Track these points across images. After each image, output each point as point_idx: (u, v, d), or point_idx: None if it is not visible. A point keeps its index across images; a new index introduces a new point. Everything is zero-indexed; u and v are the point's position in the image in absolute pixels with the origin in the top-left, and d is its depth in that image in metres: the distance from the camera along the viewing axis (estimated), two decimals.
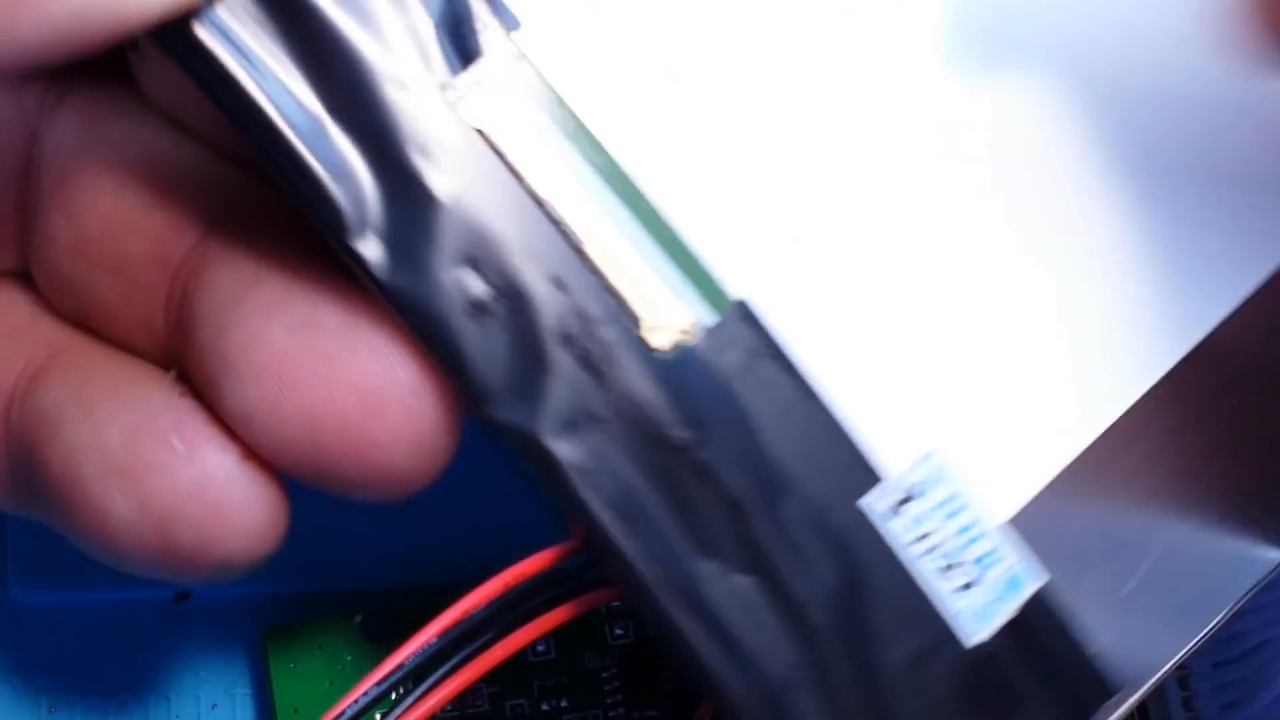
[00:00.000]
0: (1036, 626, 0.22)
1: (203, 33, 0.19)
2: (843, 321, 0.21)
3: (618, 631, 0.29)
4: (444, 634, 0.21)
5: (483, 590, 0.21)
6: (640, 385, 0.20)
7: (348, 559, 0.30)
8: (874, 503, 0.21)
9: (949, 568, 0.22)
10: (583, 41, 0.21)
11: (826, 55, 0.22)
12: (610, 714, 0.29)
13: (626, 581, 0.20)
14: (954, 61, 0.22)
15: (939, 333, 0.22)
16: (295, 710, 0.28)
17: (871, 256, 0.22)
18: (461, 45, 0.20)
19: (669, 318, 0.21)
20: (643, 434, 0.20)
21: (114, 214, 0.22)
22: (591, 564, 0.21)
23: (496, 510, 0.28)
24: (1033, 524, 0.22)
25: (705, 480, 0.21)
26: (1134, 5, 0.23)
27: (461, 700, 0.28)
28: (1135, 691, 0.23)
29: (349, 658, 0.29)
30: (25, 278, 0.24)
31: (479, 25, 0.20)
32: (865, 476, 0.21)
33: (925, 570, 0.21)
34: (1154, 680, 0.23)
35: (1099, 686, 0.22)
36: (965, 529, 0.22)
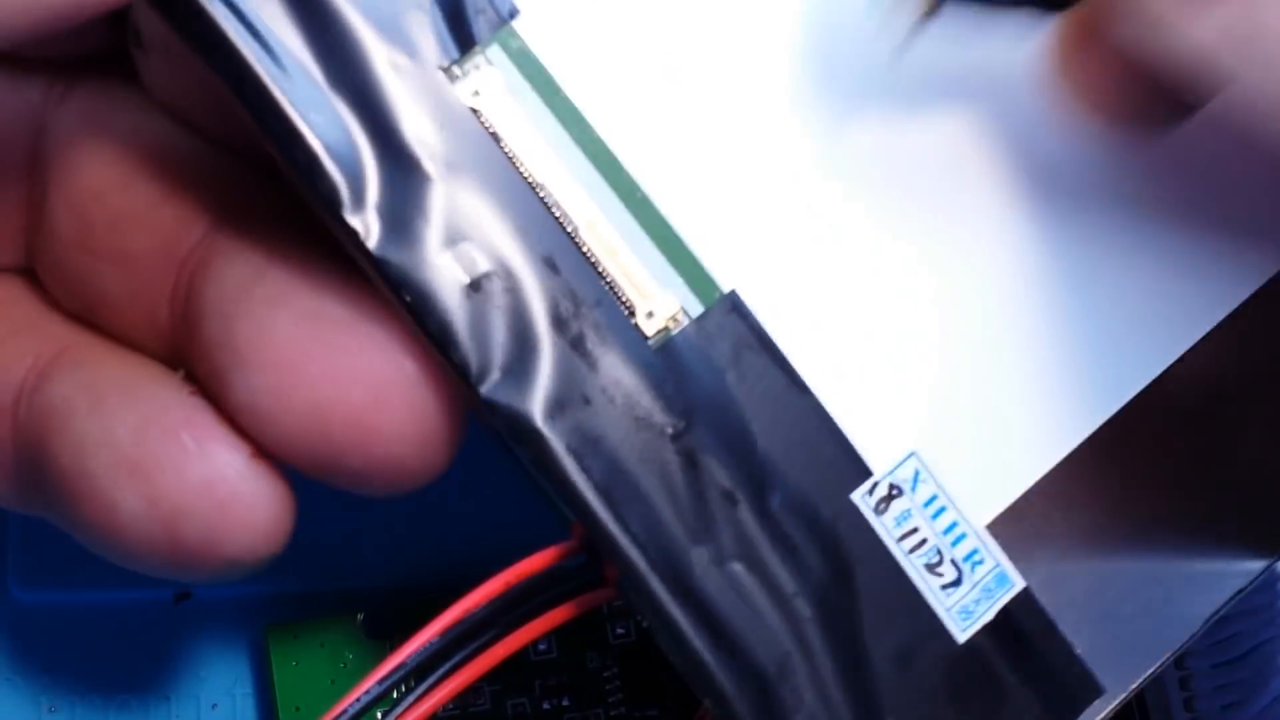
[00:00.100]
0: (1024, 625, 0.22)
1: (206, 1, 0.20)
2: (831, 318, 0.22)
3: (619, 631, 0.29)
4: (445, 633, 0.21)
5: (484, 589, 0.21)
6: (631, 371, 0.21)
7: (349, 558, 0.30)
8: (864, 496, 0.22)
9: (935, 564, 0.22)
10: (580, 29, 0.21)
11: (823, 54, 0.22)
12: (611, 713, 0.29)
13: (617, 566, 0.21)
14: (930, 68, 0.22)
15: (924, 336, 0.22)
16: (297, 709, 0.28)
17: (862, 255, 0.22)
18: (461, 29, 0.21)
19: (660, 305, 0.21)
20: (633, 419, 0.21)
21: (120, 208, 0.22)
22: (591, 562, 0.21)
23: (497, 509, 0.28)
24: (1014, 528, 0.22)
25: (695, 467, 0.21)
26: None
27: (463, 699, 0.28)
28: (1122, 693, 0.23)
29: (351, 656, 0.29)
30: (29, 274, 0.24)
31: (478, 10, 0.21)
32: (854, 470, 0.22)
33: (913, 566, 0.22)
34: (1138, 684, 0.23)
35: (1087, 686, 0.22)
36: (950, 528, 0.22)
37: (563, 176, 0.21)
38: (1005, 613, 0.22)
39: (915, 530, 0.22)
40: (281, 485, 0.21)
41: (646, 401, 0.21)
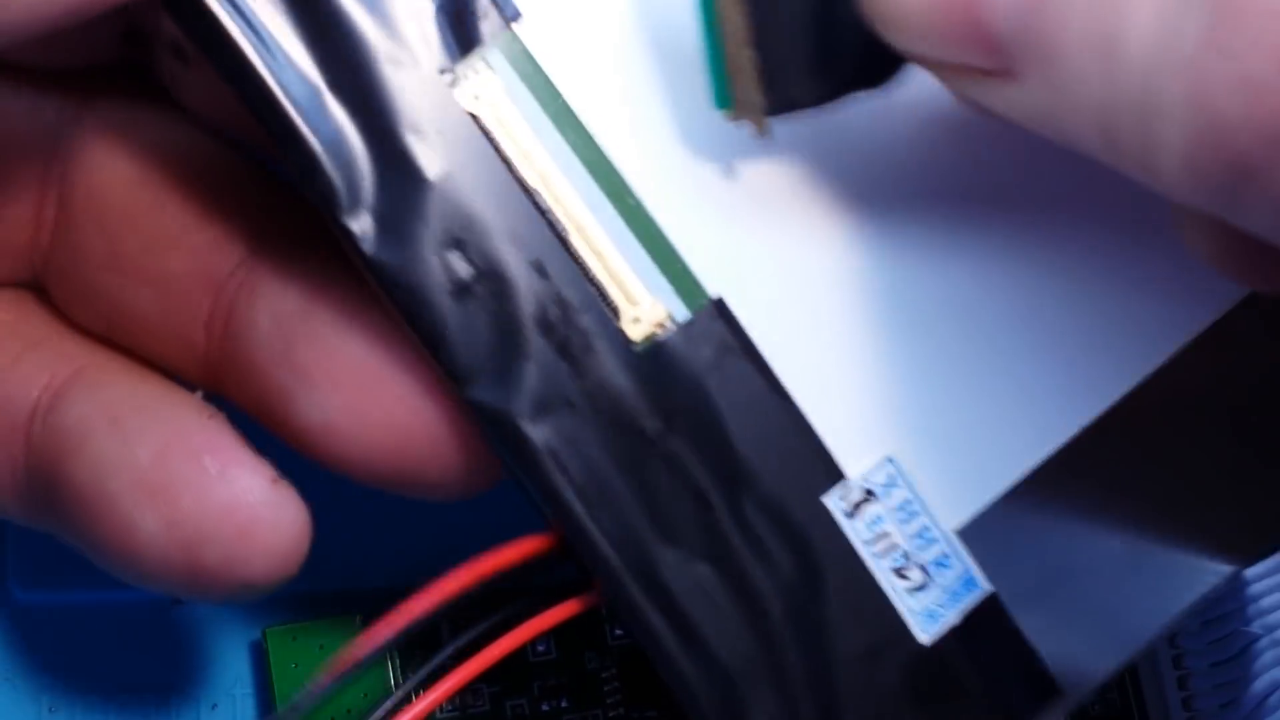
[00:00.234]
0: (988, 628, 0.23)
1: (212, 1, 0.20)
2: (813, 326, 0.22)
3: (618, 632, 0.29)
4: (408, 628, 0.21)
5: (458, 577, 0.22)
6: (614, 375, 0.21)
7: (349, 559, 0.30)
8: (836, 500, 0.22)
9: (904, 568, 0.22)
10: (581, 34, 0.22)
11: None
12: (610, 714, 0.29)
13: (592, 564, 0.21)
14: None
15: (903, 344, 0.23)
16: (295, 708, 0.28)
17: (845, 265, 0.23)
18: (461, 31, 0.21)
19: (646, 311, 0.22)
20: (614, 422, 0.21)
21: (152, 230, 0.23)
22: (565, 556, 0.22)
23: (497, 513, 0.27)
24: (982, 534, 0.23)
25: (672, 470, 0.22)
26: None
27: (462, 700, 0.29)
28: (1081, 695, 0.24)
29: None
30: (37, 289, 0.24)
31: (479, 13, 0.21)
32: (828, 474, 0.22)
33: (881, 569, 0.22)
34: (1096, 686, 0.24)
35: (1047, 688, 0.23)
36: (920, 533, 0.23)
37: (557, 181, 0.21)
38: (970, 616, 0.23)
39: (886, 534, 0.22)
40: (301, 509, 0.22)
41: (629, 405, 0.21)
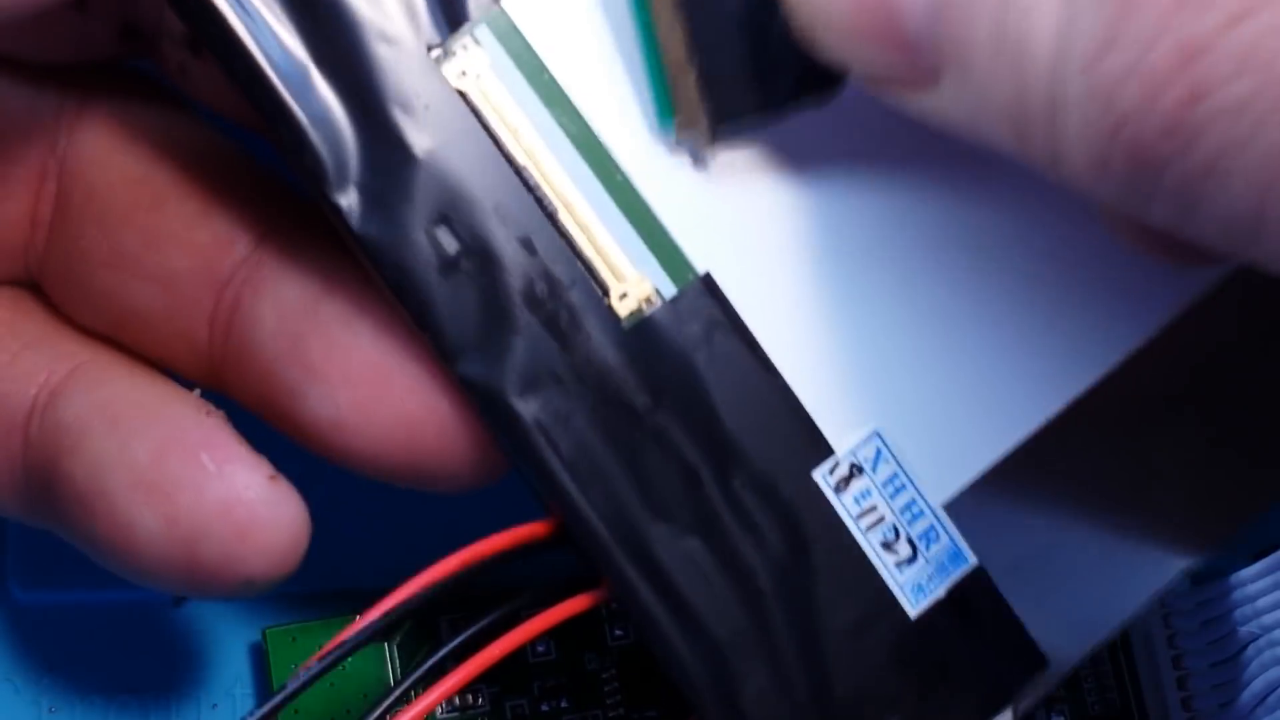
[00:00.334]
0: (975, 600, 0.23)
1: None
2: (800, 301, 0.23)
3: (618, 632, 0.29)
4: (401, 609, 0.22)
5: (449, 562, 0.22)
6: (602, 350, 0.22)
7: (348, 559, 0.30)
8: (824, 475, 0.22)
9: (892, 542, 0.23)
10: (568, 12, 0.22)
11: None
12: (610, 714, 0.29)
13: (583, 539, 0.21)
14: None
15: (890, 320, 0.23)
16: (295, 711, 0.28)
17: (832, 240, 0.23)
18: (449, 8, 0.21)
19: (633, 287, 0.22)
20: (603, 398, 0.21)
21: (154, 227, 0.23)
22: (562, 542, 0.22)
23: (497, 512, 0.27)
24: (969, 508, 0.23)
25: (662, 445, 0.22)
26: None
27: (461, 700, 0.28)
28: (1066, 666, 0.24)
29: (349, 658, 0.29)
30: (33, 287, 0.24)
31: None
32: (816, 449, 0.22)
33: (869, 543, 0.23)
34: (1082, 657, 0.24)
35: (1032, 659, 0.23)
36: (907, 507, 0.23)
37: (545, 158, 0.21)
38: (957, 589, 0.23)
39: (874, 508, 0.23)
40: (299, 506, 0.22)
41: (617, 381, 0.22)
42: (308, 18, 0.21)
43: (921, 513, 0.23)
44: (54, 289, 0.24)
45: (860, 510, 0.22)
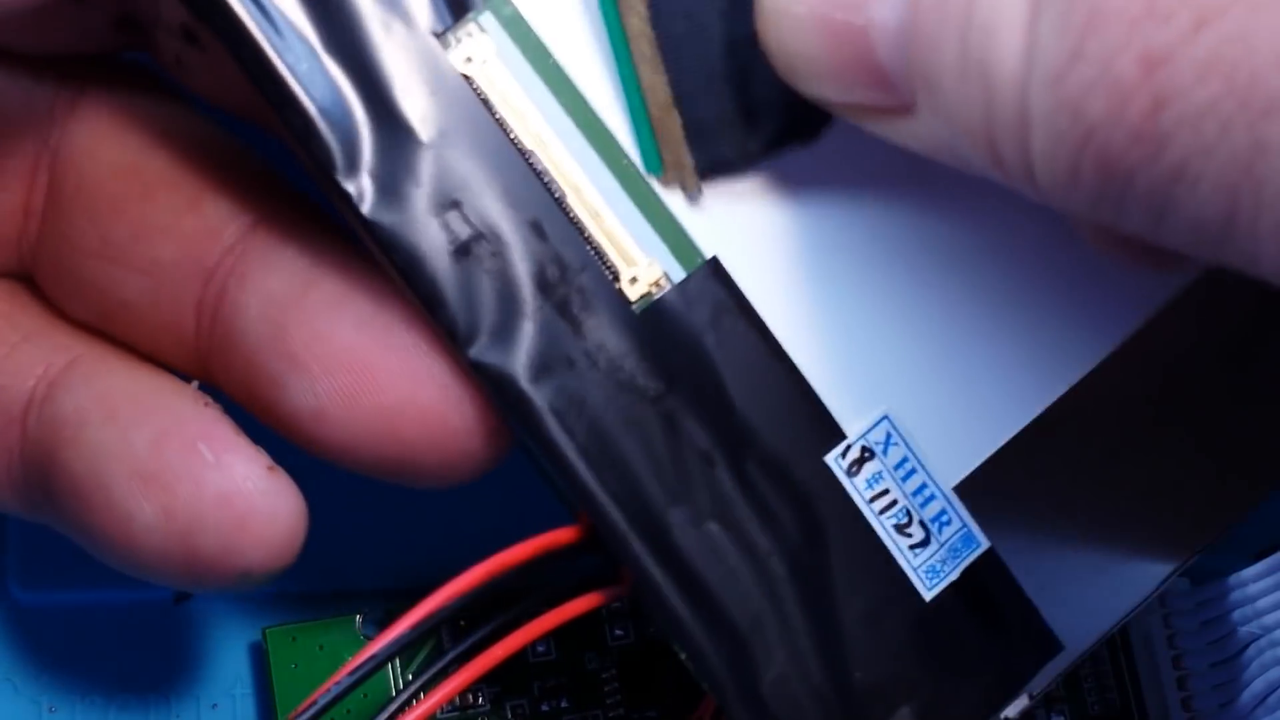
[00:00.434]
0: (988, 583, 0.23)
1: None
2: (808, 284, 0.23)
3: (618, 632, 0.29)
4: (424, 621, 0.21)
5: (475, 572, 0.22)
6: (614, 335, 0.22)
7: (348, 559, 0.30)
8: (836, 458, 0.22)
9: (905, 525, 0.23)
10: None
11: None
12: (610, 714, 0.29)
13: (598, 525, 0.21)
14: None
15: (898, 303, 0.23)
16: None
17: (839, 224, 0.23)
18: None
19: (643, 271, 0.22)
20: (615, 382, 0.21)
21: (142, 218, 0.22)
22: (589, 549, 0.22)
23: (498, 511, 0.27)
24: (979, 491, 0.23)
25: (675, 430, 0.22)
26: None
27: (462, 700, 0.28)
28: (1080, 650, 0.24)
29: (349, 658, 0.28)
30: (25, 280, 0.24)
31: None
32: (828, 433, 0.22)
33: (883, 526, 0.23)
34: (1096, 641, 0.24)
35: (1047, 643, 0.23)
36: (919, 490, 0.23)
37: (552, 143, 0.21)
38: (970, 572, 0.23)
39: (886, 492, 0.23)
40: (296, 498, 0.22)
41: (629, 365, 0.21)
42: (314, 5, 0.21)
43: (933, 496, 0.23)
44: (46, 281, 0.24)
45: (873, 493, 0.22)
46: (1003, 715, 0.23)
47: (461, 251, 0.21)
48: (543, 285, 0.21)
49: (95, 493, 0.22)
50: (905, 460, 0.23)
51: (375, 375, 0.21)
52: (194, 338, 0.23)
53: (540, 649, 0.29)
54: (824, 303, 0.22)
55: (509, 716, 0.29)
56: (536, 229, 0.21)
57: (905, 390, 0.23)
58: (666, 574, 0.21)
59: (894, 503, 0.23)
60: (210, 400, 0.22)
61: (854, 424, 0.23)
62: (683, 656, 0.22)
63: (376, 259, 0.21)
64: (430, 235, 0.21)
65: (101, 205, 0.23)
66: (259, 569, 0.21)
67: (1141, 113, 0.16)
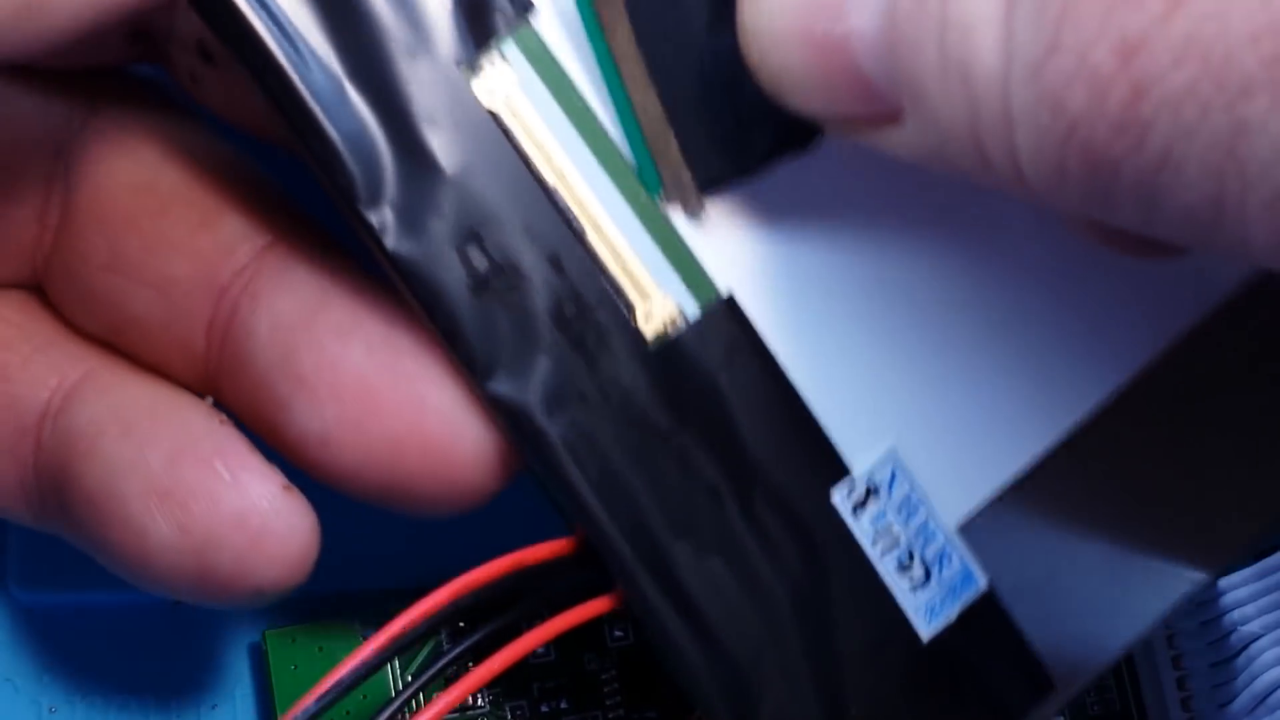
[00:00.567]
0: (985, 622, 0.23)
1: None
2: (821, 323, 0.23)
3: (617, 634, 0.29)
4: (430, 617, 0.22)
5: (477, 574, 0.22)
6: (628, 370, 0.22)
7: (348, 561, 0.30)
8: (842, 496, 0.23)
9: (906, 565, 0.23)
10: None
11: None
12: (609, 716, 0.29)
13: (606, 555, 0.22)
14: None
15: (906, 343, 0.23)
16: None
17: (852, 264, 0.23)
18: (478, 24, 0.21)
19: (659, 307, 0.22)
20: (627, 416, 0.22)
21: (155, 233, 0.23)
22: (587, 562, 0.22)
23: (498, 514, 0.27)
24: (980, 530, 0.23)
25: (684, 465, 0.22)
26: None
27: (461, 702, 0.28)
28: (1074, 688, 0.24)
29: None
30: (38, 292, 0.24)
31: (496, 7, 0.21)
32: (834, 470, 0.23)
33: (885, 565, 0.23)
34: (1089, 679, 0.24)
35: (1041, 681, 0.24)
36: (921, 529, 0.23)
37: (573, 177, 0.22)
38: (968, 611, 0.23)
39: (889, 530, 0.23)
40: (310, 517, 0.22)
41: (641, 400, 0.22)
42: (340, 35, 0.21)
43: (935, 535, 0.23)
44: (57, 293, 0.24)
45: (876, 532, 0.23)
46: None
47: (481, 285, 0.21)
48: (560, 320, 0.21)
49: (110, 507, 0.22)
50: (909, 498, 0.23)
51: (382, 402, 0.21)
52: (203, 356, 0.23)
53: (540, 651, 0.29)
54: (834, 336, 0.23)
55: (508, 718, 0.29)
56: (555, 264, 0.21)
57: (912, 426, 0.23)
58: (669, 605, 0.22)
59: (896, 541, 0.23)
60: (225, 418, 0.23)
61: (860, 460, 0.23)
62: (683, 688, 0.22)
63: (396, 287, 0.21)
64: (450, 268, 0.21)
65: (115, 220, 0.23)
66: (271, 587, 0.22)
67: (1122, 102, 0.16)
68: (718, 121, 0.21)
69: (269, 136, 0.23)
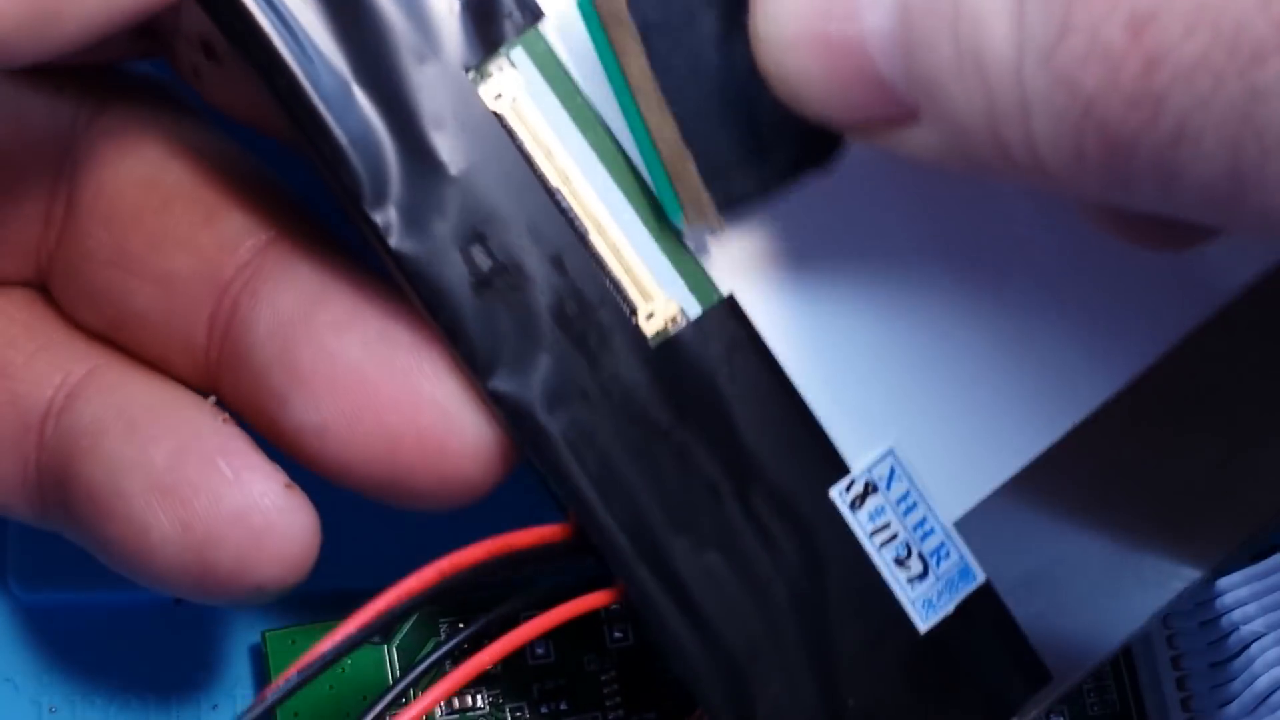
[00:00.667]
0: (982, 616, 0.24)
1: None
2: (820, 322, 0.23)
3: (617, 634, 0.29)
4: (416, 595, 0.22)
5: (466, 553, 0.22)
6: (629, 368, 0.22)
7: (347, 560, 0.30)
8: (841, 492, 0.23)
9: (904, 558, 0.23)
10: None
11: None
12: (609, 716, 0.29)
13: (606, 550, 0.22)
14: None
15: (906, 342, 0.23)
16: (295, 714, 0.28)
17: (851, 264, 0.23)
18: (485, 29, 0.21)
19: (660, 307, 0.22)
20: (627, 414, 0.22)
21: (159, 229, 0.23)
22: (579, 549, 0.22)
23: (498, 514, 0.27)
24: (978, 524, 0.24)
25: (683, 462, 0.22)
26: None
27: (460, 703, 0.28)
28: (1070, 681, 0.24)
29: (349, 661, 0.28)
30: (43, 290, 0.24)
31: (503, 11, 0.21)
32: (833, 467, 0.23)
33: (882, 559, 0.23)
34: (1085, 672, 0.25)
35: (1037, 674, 0.24)
36: (919, 524, 0.23)
37: (577, 178, 0.22)
38: (966, 604, 0.24)
39: (887, 525, 0.23)
40: (312, 515, 0.22)
41: (642, 398, 0.22)
42: (348, 37, 0.21)
43: (933, 530, 0.23)
44: (60, 289, 0.24)
45: (874, 527, 0.23)
46: None
47: (483, 284, 0.21)
48: (561, 319, 0.22)
49: (113, 504, 0.22)
50: (907, 494, 0.23)
51: (378, 396, 0.22)
52: (204, 351, 0.23)
53: (539, 651, 0.29)
54: (834, 336, 0.23)
55: (508, 719, 0.29)
56: (558, 263, 0.22)
57: (911, 424, 0.23)
58: (668, 600, 0.22)
59: (894, 536, 0.23)
60: (228, 416, 0.23)
61: (859, 458, 0.23)
62: (682, 681, 0.22)
63: (399, 285, 0.22)
64: (454, 267, 0.21)
65: (119, 216, 0.23)
66: (272, 585, 0.22)
67: (1135, 76, 0.16)
68: (736, 142, 0.21)
69: (271, 131, 0.24)
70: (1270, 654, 0.30)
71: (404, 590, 0.21)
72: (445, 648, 0.23)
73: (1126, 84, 0.16)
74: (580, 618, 0.22)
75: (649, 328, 0.22)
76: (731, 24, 0.21)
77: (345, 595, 0.29)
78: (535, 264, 0.21)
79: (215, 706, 0.30)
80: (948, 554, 0.23)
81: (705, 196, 0.21)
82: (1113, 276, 0.24)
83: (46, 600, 0.30)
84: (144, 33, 0.23)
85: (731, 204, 0.22)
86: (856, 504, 0.23)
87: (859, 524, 0.23)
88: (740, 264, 0.22)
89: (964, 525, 0.24)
